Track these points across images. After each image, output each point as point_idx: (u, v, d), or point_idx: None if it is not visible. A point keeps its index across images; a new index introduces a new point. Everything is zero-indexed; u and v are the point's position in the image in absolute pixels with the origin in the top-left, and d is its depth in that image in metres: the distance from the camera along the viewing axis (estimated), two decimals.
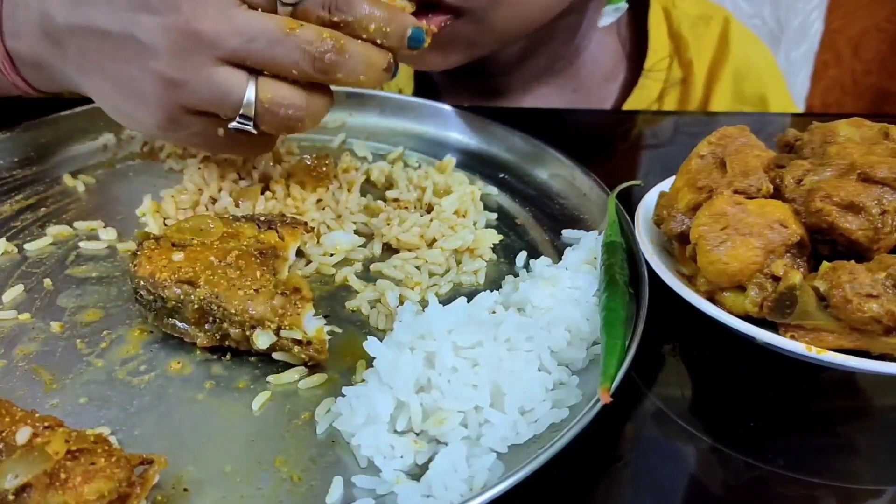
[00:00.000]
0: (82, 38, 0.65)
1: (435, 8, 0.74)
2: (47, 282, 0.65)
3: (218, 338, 0.57)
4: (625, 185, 0.72)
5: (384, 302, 0.63)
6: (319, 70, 0.61)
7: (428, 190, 0.76)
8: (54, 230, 0.71)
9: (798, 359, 0.53)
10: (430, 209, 0.75)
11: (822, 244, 0.56)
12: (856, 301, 0.50)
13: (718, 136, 0.63)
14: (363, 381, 0.53)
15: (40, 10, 0.66)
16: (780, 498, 0.50)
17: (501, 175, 0.83)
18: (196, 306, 0.56)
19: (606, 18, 0.92)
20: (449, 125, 0.90)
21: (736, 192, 0.57)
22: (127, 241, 0.71)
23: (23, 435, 0.44)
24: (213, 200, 0.74)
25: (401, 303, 0.63)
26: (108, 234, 0.71)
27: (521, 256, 0.69)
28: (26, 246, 0.69)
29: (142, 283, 0.57)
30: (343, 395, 0.52)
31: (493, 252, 0.71)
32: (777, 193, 0.58)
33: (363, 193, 0.78)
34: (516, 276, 0.67)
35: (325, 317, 0.61)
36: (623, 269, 0.59)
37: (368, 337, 0.53)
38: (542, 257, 0.65)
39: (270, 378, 0.56)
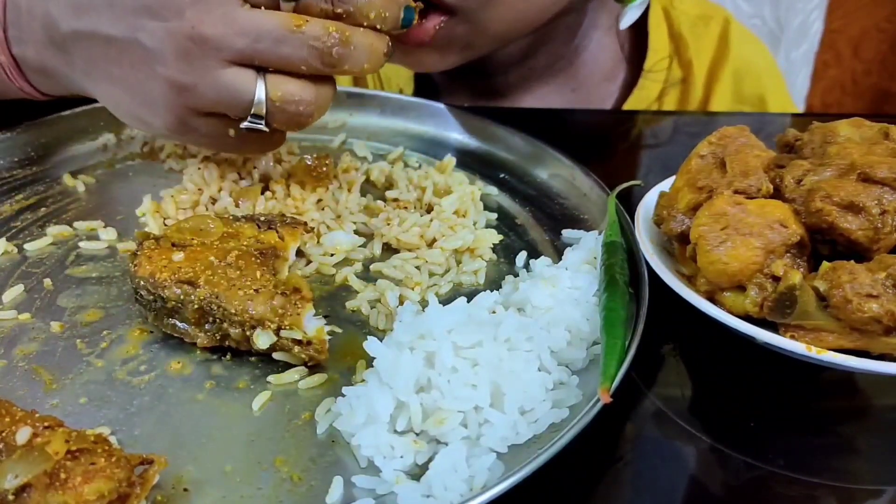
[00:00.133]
0: (87, 43, 0.65)
1: (434, 8, 0.74)
2: (47, 282, 0.65)
3: (218, 338, 0.57)
4: (625, 185, 0.72)
5: (384, 302, 0.63)
6: (328, 64, 0.62)
7: (428, 190, 0.76)
8: (54, 230, 0.71)
9: (798, 359, 0.53)
10: (430, 209, 0.75)
11: (822, 244, 0.56)
12: (856, 301, 0.50)
13: (718, 136, 0.63)
14: (363, 381, 0.53)
15: (44, 17, 0.67)
16: (780, 498, 0.50)
17: (501, 175, 0.83)
18: (196, 306, 0.56)
19: (628, 18, 0.91)
20: (449, 125, 0.90)
21: (736, 192, 0.57)
22: (127, 241, 0.71)
23: (23, 435, 0.44)
24: (213, 200, 0.74)
25: (401, 303, 0.63)
26: (108, 234, 0.71)
27: (521, 256, 0.69)
28: (26, 246, 0.69)
29: (142, 283, 0.57)
30: (343, 395, 0.52)
31: (493, 252, 0.71)
32: (777, 193, 0.58)
33: (363, 193, 0.78)
34: (516, 276, 0.67)
35: (325, 317, 0.61)
36: (623, 269, 0.59)
37: (368, 337, 0.53)
38: (542, 257, 0.65)
39: (270, 378, 0.56)
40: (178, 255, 0.58)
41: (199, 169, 0.76)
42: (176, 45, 0.61)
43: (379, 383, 0.51)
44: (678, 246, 0.62)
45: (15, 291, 0.63)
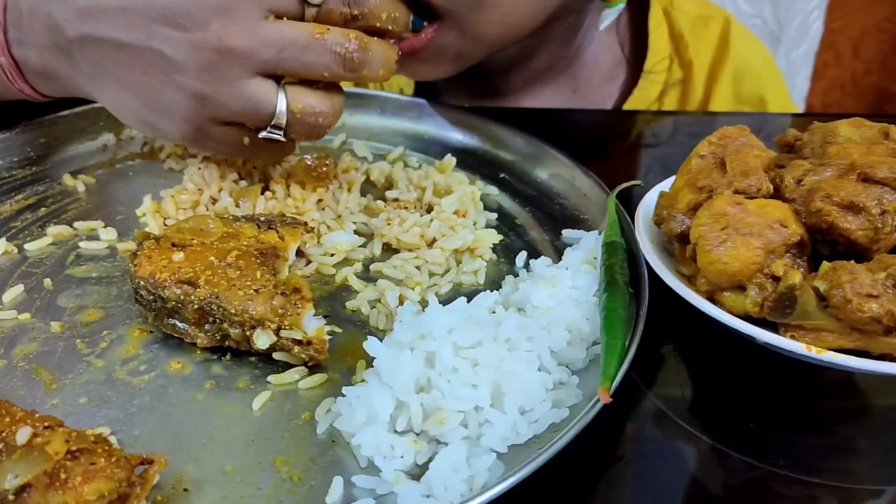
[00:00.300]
0: (95, 47, 0.65)
1: (424, 17, 0.75)
2: (47, 282, 0.65)
3: (218, 338, 0.57)
4: (625, 185, 0.72)
5: (384, 302, 0.63)
6: (350, 69, 0.64)
7: (428, 190, 0.76)
8: (54, 230, 0.71)
9: (798, 359, 0.53)
10: (430, 209, 0.75)
11: (822, 244, 0.56)
12: (856, 301, 0.50)
13: (718, 136, 0.63)
14: (363, 381, 0.53)
15: (46, 19, 0.66)
16: (780, 498, 0.50)
17: (501, 175, 0.83)
18: (196, 306, 0.56)
19: (606, 21, 0.93)
20: (449, 125, 0.90)
21: (736, 192, 0.57)
22: (127, 241, 0.71)
23: (23, 435, 0.44)
24: (213, 200, 0.74)
25: (401, 303, 0.63)
26: (108, 234, 0.71)
27: (521, 256, 0.69)
28: (26, 246, 0.69)
29: (142, 283, 0.57)
30: (343, 395, 0.52)
31: (493, 252, 0.71)
32: (777, 193, 0.58)
33: (363, 193, 0.78)
34: (516, 276, 0.67)
35: (325, 317, 0.61)
36: (623, 269, 0.59)
37: (368, 337, 0.53)
38: (542, 257, 0.65)
39: (270, 378, 0.56)
40: (178, 255, 0.58)
41: (199, 169, 0.76)
42: (200, 56, 0.61)
43: (379, 383, 0.51)
44: (678, 246, 0.62)
45: (15, 291, 0.63)
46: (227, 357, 0.58)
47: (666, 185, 0.67)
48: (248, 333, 0.56)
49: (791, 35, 2.26)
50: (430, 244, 0.70)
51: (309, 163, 0.76)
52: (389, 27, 0.66)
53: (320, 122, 0.66)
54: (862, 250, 0.54)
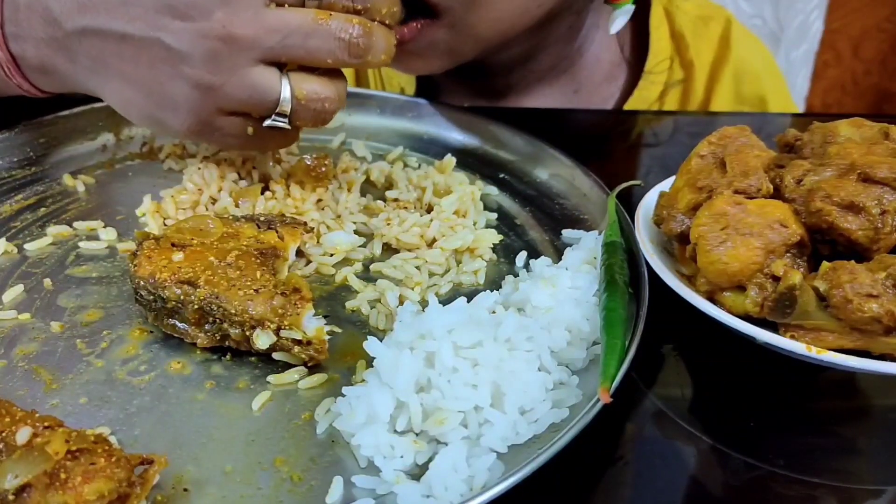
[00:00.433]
0: (95, 41, 0.65)
1: (418, 12, 0.75)
2: (47, 282, 0.65)
3: (218, 338, 0.57)
4: (625, 185, 0.72)
5: (384, 302, 0.63)
6: (354, 55, 0.64)
7: (428, 190, 0.76)
8: (54, 230, 0.71)
9: (798, 359, 0.53)
10: (430, 209, 0.75)
11: (822, 244, 0.56)
12: (856, 301, 0.50)
13: (718, 136, 0.63)
14: (363, 381, 0.53)
15: (43, 13, 0.66)
16: (780, 498, 0.50)
17: (501, 175, 0.83)
18: (196, 306, 0.56)
19: (617, 23, 0.91)
20: (449, 125, 0.90)
21: (736, 192, 0.57)
22: (127, 241, 0.71)
23: (23, 435, 0.44)
24: (213, 200, 0.74)
25: (401, 303, 0.63)
26: (108, 234, 0.71)
27: (521, 256, 0.69)
28: (26, 246, 0.69)
29: (142, 283, 0.57)
30: (343, 395, 0.52)
31: (493, 252, 0.71)
32: (777, 193, 0.58)
33: (363, 193, 0.78)
34: (516, 276, 0.67)
35: (325, 317, 0.61)
36: (623, 269, 0.59)
37: (368, 337, 0.53)
38: (542, 257, 0.65)
39: (270, 378, 0.56)
40: (178, 255, 0.58)
41: (199, 169, 0.76)
42: (205, 45, 0.61)
43: (379, 383, 0.51)
44: (678, 246, 0.62)
45: (15, 291, 0.63)
46: (227, 357, 0.58)
47: (666, 185, 0.67)
48: (248, 333, 0.56)
49: (791, 35, 2.26)
50: (430, 244, 0.70)
51: (308, 163, 0.76)
52: (387, 21, 0.66)
53: (326, 108, 0.66)
54: (862, 250, 0.54)
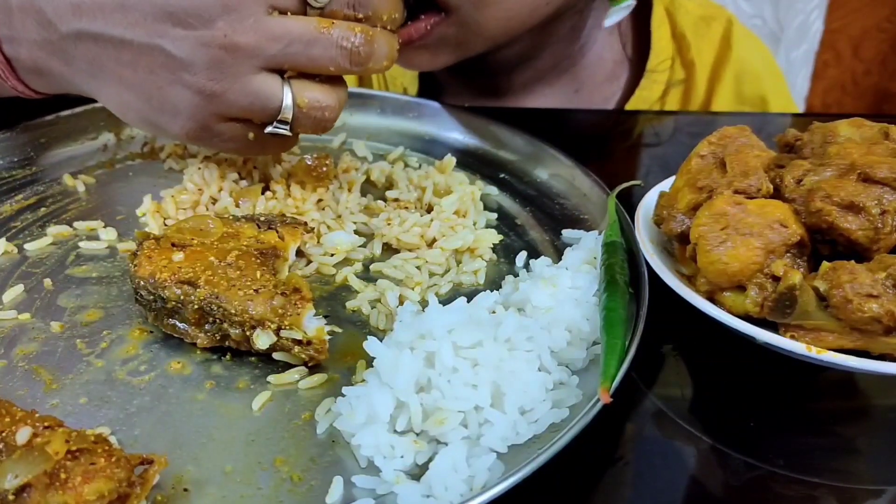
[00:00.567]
0: (92, 45, 0.65)
1: (428, 8, 0.75)
2: (47, 282, 0.65)
3: (218, 338, 0.57)
4: (625, 185, 0.72)
5: (384, 302, 0.63)
6: (356, 63, 0.64)
7: (428, 190, 0.76)
8: (54, 230, 0.71)
9: (798, 359, 0.53)
10: (430, 209, 0.75)
11: (822, 244, 0.56)
12: (856, 301, 0.50)
13: (718, 136, 0.63)
14: (363, 381, 0.53)
15: (36, 16, 0.66)
16: (780, 498, 0.50)
17: (501, 175, 0.83)
18: (196, 306, 0.56)
19: (612, 18, 0.92)
20: (449, 125, 0.90)
21: (736, 192, 0.57)
22: (127, 241, 0.71)
23: (23, 435, 0.44)
24: (213, 200, 0.74)
25: (401, 303, 0.63)
26: (108, 234, 0.71)
27: (521, 256, 0.69)
28: (26, 246, 0.69)
29: (142, 283, 0.57)
30: (343, 395, 0.52)
31: (493, 252, 0.71)
32: (777, 193, 0.58)
33: (363, 193, 0.78)
34: (516, 276, 0.67)
35: (325, 317, 0.61)
36: (623, 269, 0.59)
37: (368, 337, 0.53)
38: (542, 257, 0.65)
39: (270, 378, 0.56)
40: (178, 255, 0.58)
41: (199, 169, 0.76)
42: (207, 53, 0.61)
43: (379, 383, 0.51)
44: (678, 246, 0.62)
45: (15, 291, 0.63)
46: (227, 357, 0.58)
47: (666, 185, 0.67)
48: (248, 333, 0.56)
49: (791, 35, 2.26)
50: (430, 244, 0.70)
51: (309, 163, 0.76)
52: (388, 27, 0.66)
53: (326, 116, 0.66)
54: (862, 250, 0.54)
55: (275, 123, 0.66)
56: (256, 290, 0.56)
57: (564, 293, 0.58)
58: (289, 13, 0.63)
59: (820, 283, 0.52)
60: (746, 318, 0.54)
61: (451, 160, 0.82)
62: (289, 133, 0.67)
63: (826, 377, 0.60)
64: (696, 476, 0.52)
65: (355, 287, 0.66)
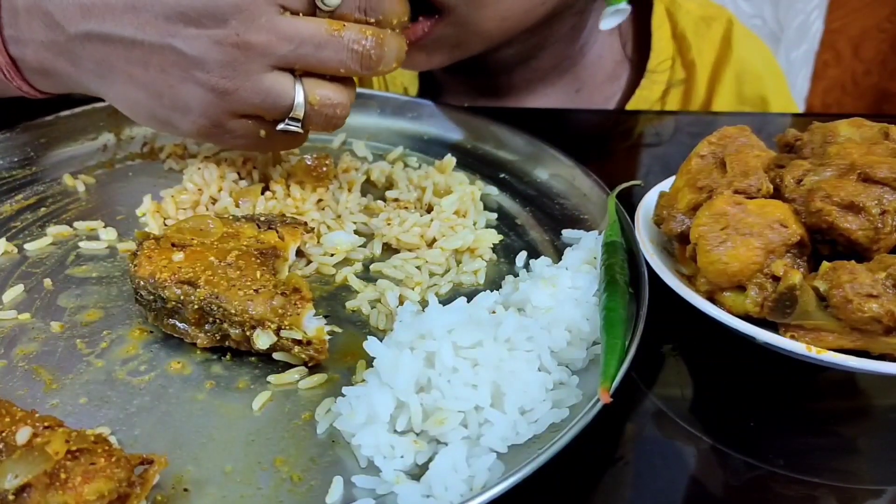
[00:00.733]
0: (101, 45, 0.65)
1: (423, 9, 0.75)
2: (47, 282, 0.65)
3: (218, 338, 0.57)
4: (625, 185, 0.72)
5: (384, 302, 0.63)
6: (366, 66, 0.65)
7: (428, 190, 0.76)
8: (54, 230, 0.71)
9: (798, 359, 0.53)
10: (430, 209, 0.75)
11: (822, 244, 0.56)
12: (856, 301, 0.50)
13: (718, 136, 0.63)
14: (363, 381, 0.53)
15: (44, 17, 0.66)
16: (780, 498, 0.50)
17: (501, 175, 0.83)
18: (196, 306, 0.56)
19: (608, 21, 0.91)
20: (449, 125, 0.90)
21: (736, 192, 0.57)
22: (127, 241, 0.71)
23: (23, 435, 0.44)
24: (213, 200, 0.74)
25: (401, 303, 0.63)
26: (108, 234, 0.71)
27: (521, 256, 0.69)
28: (26, 246, 0.69)
29: (142, 283, 0.57)
30: (343, 395, 0.52)
31: (493, 252, 0.71)
32: (777, 193, 0.58)
33: (363, 193, 0.78)
34: (516, 276, 0.67)
35: (325, 317, 0.61)
36: (623, 269, 0.59)
37: (368, 337, 0.53)
38: (542, 257, 0.65)
39: (270, 378, 0.56)
40: (178, 255, 0.58)
41: (199, 169, 0.76)
42: (220, 51, 0.62)
43: (379, 383, 0.51)
44: (678, 246, 0.62)
45: (15, 291, 0.63)
46: (227, 357, 0.58)
47: (666, 185, 0.67)
48: (248, 333, 0.56)
49: (791, 35, 2.26)
50: (430, 244, 0.70)
51: (309, 163, 0.76)
52: (395, 29, 0.67)
53: (338, 114, 0.67)
54: (862, 250, 0.54)
55: (286, 121, 0.66)
56: (256, 290, 0.56)
57: (564, 293, 0.58)
58: (300, 14, 0.63)
59: (820, 283, 0.52)
60: (746, 318, 0.54)
61: (451, 160, 0.82)
62: (300, 130, 0.67)
63: (826, 377, 0.60)
64: (696, 476, 0.52)
65: (355, 287, 0.66)
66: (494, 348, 0.52)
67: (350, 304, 0.64)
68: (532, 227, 0.75)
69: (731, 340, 0.56)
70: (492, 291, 0.58)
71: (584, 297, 0.58)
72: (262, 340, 0.55)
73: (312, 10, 0.64)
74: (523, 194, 0.80)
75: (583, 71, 1.05)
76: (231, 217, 0.66)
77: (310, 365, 0.57)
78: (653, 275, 0.59)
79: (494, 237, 0.71)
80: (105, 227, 0.72)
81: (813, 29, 2.27)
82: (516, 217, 0.77)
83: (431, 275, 0.67)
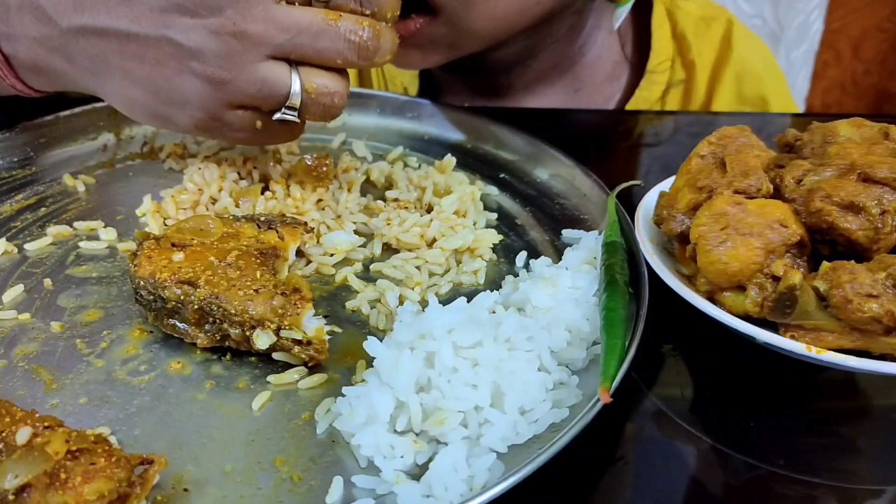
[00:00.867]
0: (95, 40, 0.65)
1: (418, 8, 0.75)
2: (47, 282, 0.65)
3: (218, 338, 0.57)
4: (625, 185, 0.72)
5: (384, 302, 0.63)
6: (363, 57, 0.64)
7: (428, 190, 0.76)
8: (54, 230, 0.71)
9: (798, 359, 0.53)
10: (430, 209, 0.75)
11: (822, 244, 0.56)
12: (856, 301, 0.50)
13: (718, 136, 0.63)
14: (363, 381, 0.53)
15: (35, 13, 0.65)
16: (780, 498, 0.50)
17: (501, 175, 0.83)
18: (196, 306, 0.56)
19: (618, 19, 0.92)
20: (449, 125, 0.90)
21: (736, 192, 0.57)
22: (127, 241, 0.71)
23: (23, 435, 0.44)
24: (213, 200, 0.74)
25: (401, 303, 0.63)
26: (108, 234, 0.71)
27: (521, 256, 0.69)
28: (26, 246, 0.69)
29: (142, 283, 0.57)
30: (343, 395, 0.52)
31: (493, 252, 0.71)
32: (777, 193, 0.58)
33: (363, 193, 0.78)
34: (516, 276, 0.67)
35: (325, 317, 0.61)
36: (623, 269, 0.59)
37: (368, 337, 0.53)
38: (542, 257, 0.65)
39: (270, 378, 0.56)
40: (178, 255, 0.58)
41: (199, 169, 0.76)
42: (217, 41, 0.61)
43: (379, 383, 0.51)
44: (678, 246, 0.62)
45: (15, 291, 0.63)
46: (227, 357, 0.58)
47: (666, 185, 0.67)
48: (248, 333, 0.56)
49: (791, 35, 2.26)
50: (430, 244, 0.70)
51: (309, 163, 0.76)
52: (388, 23, 0.67)
53: (335, 103, 0.66)
54: (862, 250, 0.54)
55: (283, 110, 0.66)
56: (256, 290, 0.56)
57: (564, 293, 0.58)
58: (295, 3, 0.63)
59: (820, 283, 0.52)
60: (746, 318, 0.54)
61: (451, 160, 0.82)
62: (297, 120, 0.67)
63: (826, 377, 0.60)
64: (696, 476, 0.52)
65: (355, 287, 0.66)
66: (494, 348, 0.52)
67: (350, 304, 0.64)
68: (532, 227, 0.75)
69: (731, 340, 0.56)
70: (492, 291, 0.58)
71: (584, 297, 0.58)
72: (262, 340, 0.55)
73: (307, 1, 0.64)
74: (523, 194, 0.80)
75: (582, 71, 1.05)
76: (231, 217, 0.66)
77: (310, 365, 0.57)
78: (653, 275, 0.59)
79: (494, 237, 0.71)
80: (105, 227, 0.72)
81: (813, 29, 2.27)
82: (516, 217, 0.77)
83: (431, 275, 0.67)
